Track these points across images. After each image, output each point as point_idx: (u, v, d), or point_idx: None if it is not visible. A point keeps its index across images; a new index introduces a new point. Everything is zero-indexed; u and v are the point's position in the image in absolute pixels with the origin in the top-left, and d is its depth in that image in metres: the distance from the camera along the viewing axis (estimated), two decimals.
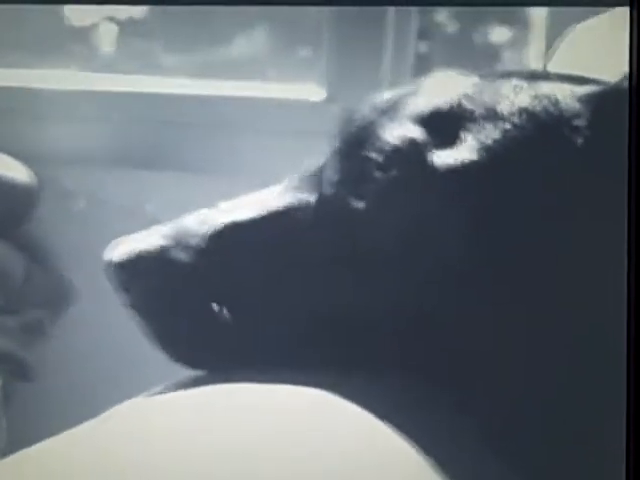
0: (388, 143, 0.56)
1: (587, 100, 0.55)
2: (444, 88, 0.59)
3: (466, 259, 0.55)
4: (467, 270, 0.55)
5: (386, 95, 0.61)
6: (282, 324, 0.59)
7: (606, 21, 0.93)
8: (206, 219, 0.61)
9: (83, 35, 1.61)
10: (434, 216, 0.55)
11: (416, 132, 0.56)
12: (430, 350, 0.57)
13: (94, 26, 1.60)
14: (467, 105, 0.57)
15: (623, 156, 0.54)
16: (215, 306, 0.59)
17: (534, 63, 1.47)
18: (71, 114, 1.53)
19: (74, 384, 1.56)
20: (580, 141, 0.54)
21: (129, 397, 0.89)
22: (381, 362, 0.58)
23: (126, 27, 1.60)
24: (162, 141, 1.53)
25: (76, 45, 1.61)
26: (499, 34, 1.64)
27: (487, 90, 0.57)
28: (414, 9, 1.55)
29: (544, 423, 0.56)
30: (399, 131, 0.57)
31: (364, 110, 0.61)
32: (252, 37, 1.58)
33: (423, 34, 1.56)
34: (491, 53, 1.63)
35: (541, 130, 0.55)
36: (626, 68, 0.58)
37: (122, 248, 0.61)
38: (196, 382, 0.59)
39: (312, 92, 1.53)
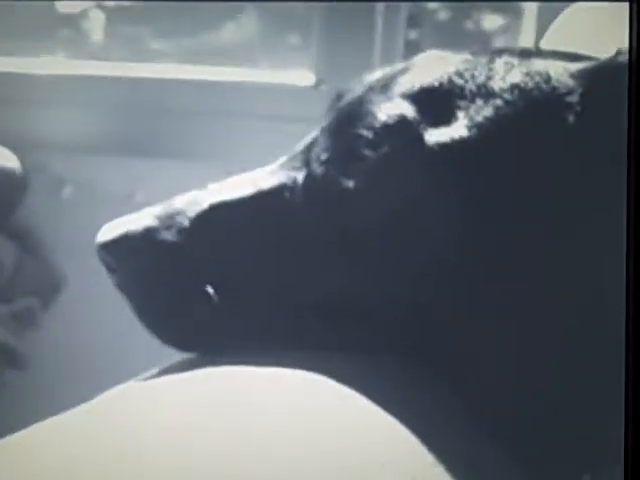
0: (378, 120, 0.56)
1: (580, 76, 0.55)
2: (436, 65, 0.58)
3: (458, 237, 0.54)
4: (459, 248, 0.54)
5: (377, 73, 0.61)
6: (273, 305, 0.58)
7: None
8: (196, 199, 0.60)
9: (73, 21, 1.60)
10: (425, 194, 0.55)
11: (407, 109, 0.55)
12: (424, 332, 0.57)
13: (83, 12, 1.60)
14: (458, 82, 0.56)
15: (617, 131, 0.53)
16: (204, 286, 0.58)
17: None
18: (61, 100, 1.52)
19: (66, 372, 1.56)
20: (573, 118, 0.54)
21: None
22: (374, 344, 0.57)
23: (115, 13, 1.60)
24: (153, 128, 1.52)
25: (65, 31, 1.61)
26: (491, 22, 1.64)
27: (478, 67, 0.57)
28: None
29: (538, 408, 0.55)
30: (389, 108, 0.56)
31: (355, 87, 0.60)
32: (242, 23, 1.57)
33: (414, 21, 1.55)
34: (483, 40, 1.63)
35: (533, 107, 0.54)
36: (619, 44, 0.58)
37: (110, 229, 0.60)
38: (186, 365, 0.59)
39: (302, 78, 1.52)
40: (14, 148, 1.47)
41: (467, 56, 0.58)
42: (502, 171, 0.54)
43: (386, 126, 0.55)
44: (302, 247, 0.58)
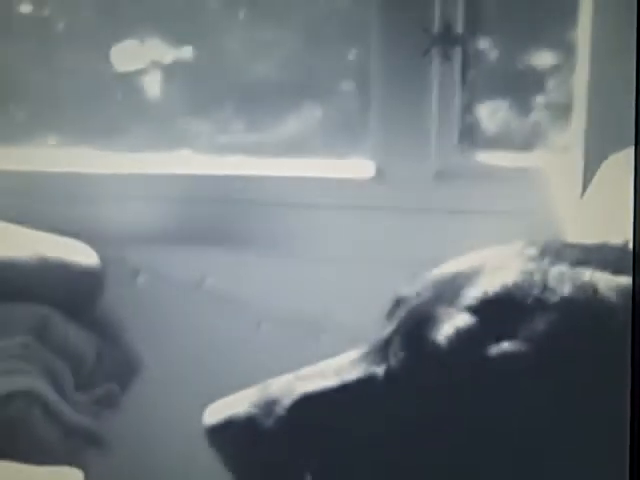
0: (448, 332, 0.64)
1: (622, 293, 0.62)
2: (497, 274, 0.65)
3: (522, 434, 0.62)
4: (521, 446, 0.62)
5: (444, 272, 0.69)
6: None
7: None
8: (288, 387, 0.69)
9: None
10: (489, 399, 0.63)
11: (472, 323, 0.64)
12: None
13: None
14: (517, 294, 0.64)
15: None
16: (300, 470, 0.67)
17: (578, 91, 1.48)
18: (136, 196, 1.62)
19: (144, 450, 1.64)
20: (617, 328, 0.61)
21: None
22: None
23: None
24: (219, 219, 1.61)
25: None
26: (543, 60, 1.65)
27: (534, 277, 0.64)
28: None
29: None
30: (457, 321, 0.64)
31: (424, 291, 0.68)
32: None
33: (466, 63, 1.57)
34: (535, 80, 1.64)
35: (583, 319, 0.62)
36: None
37: (216, 412, 0.69)
38: None
39: (361, 166, 1.60)
40: (94, 242, 1.56)
41: (525, 264, 0.66)
42: (553, 382, 0.62)
43: (456, 337, 0.63)
44: (383, 433, 0.66)
